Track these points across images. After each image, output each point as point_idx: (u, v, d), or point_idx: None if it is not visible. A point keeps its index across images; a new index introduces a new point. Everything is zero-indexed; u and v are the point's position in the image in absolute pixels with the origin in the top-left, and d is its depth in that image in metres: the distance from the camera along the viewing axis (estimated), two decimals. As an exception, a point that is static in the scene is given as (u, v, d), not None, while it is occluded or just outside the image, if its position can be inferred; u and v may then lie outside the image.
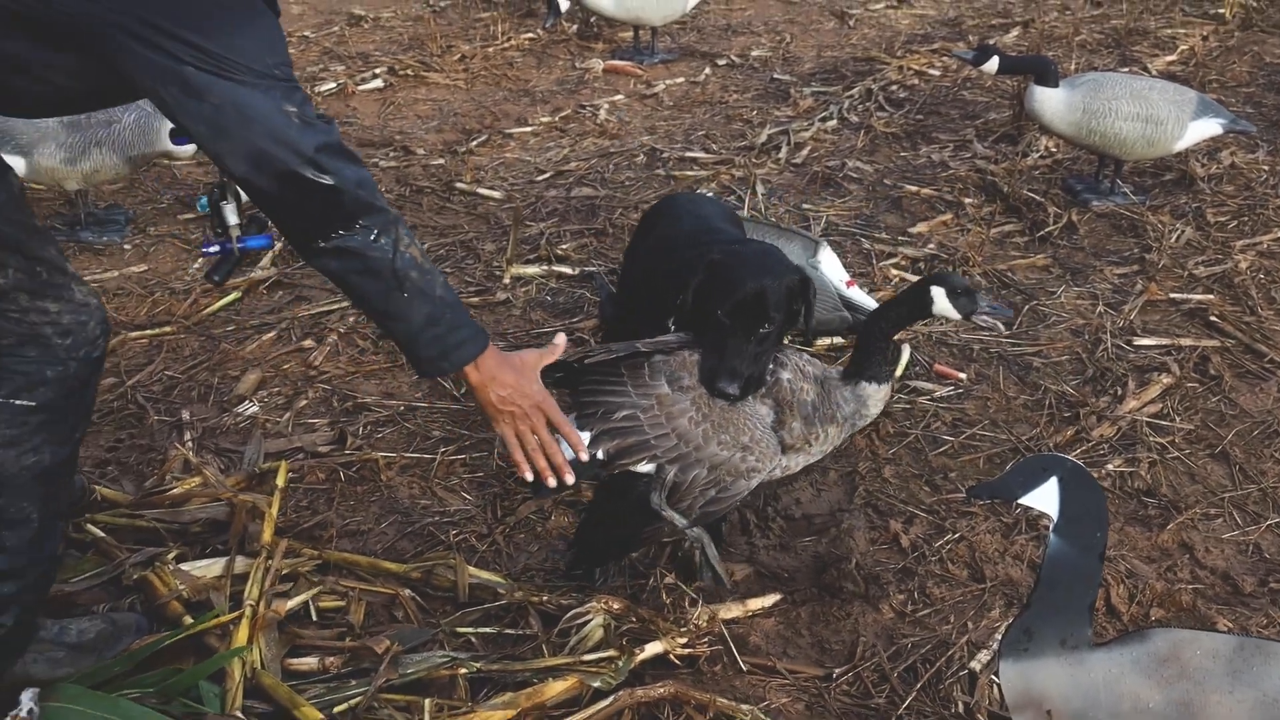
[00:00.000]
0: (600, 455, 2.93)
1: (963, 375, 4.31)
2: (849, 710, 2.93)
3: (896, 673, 3.01)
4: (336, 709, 2.73)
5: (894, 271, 5.07)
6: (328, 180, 2.32)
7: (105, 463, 3.74)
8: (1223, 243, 5.37)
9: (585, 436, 2.91)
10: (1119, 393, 4.18)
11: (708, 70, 7.97)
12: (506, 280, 4.93)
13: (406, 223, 2.53)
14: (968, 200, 5.80)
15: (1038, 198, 5.74)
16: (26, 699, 2.49)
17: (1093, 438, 3.93)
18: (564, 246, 5.26)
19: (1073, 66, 7.59)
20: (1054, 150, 6.37)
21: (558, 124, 6.98)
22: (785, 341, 3.21)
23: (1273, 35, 8.57)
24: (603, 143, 6.68)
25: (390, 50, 8.20)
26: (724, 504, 3.01)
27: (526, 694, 2.78)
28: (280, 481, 3.46)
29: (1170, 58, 8.00)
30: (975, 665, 3.00)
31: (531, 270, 5.03)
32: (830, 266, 4.32)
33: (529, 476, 2.81)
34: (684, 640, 3.01)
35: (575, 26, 8.68)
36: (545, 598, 3.16)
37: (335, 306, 4.66)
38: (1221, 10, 8.92)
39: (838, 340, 4.43)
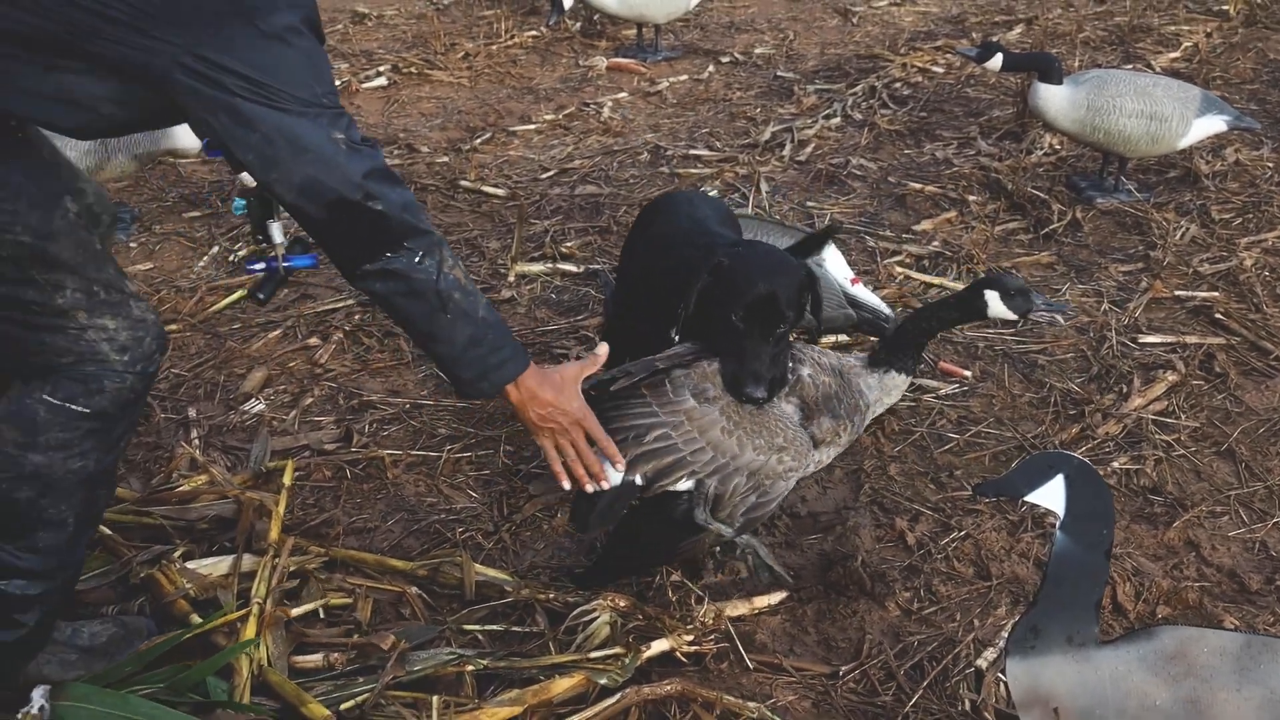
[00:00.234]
0: (639, 480, 2.92)
1: (968, 373, 4.31)
2: (855, 708, 2.93)
3: (903, 670, 3.02)
4: (343, 705, 2.74)
5: (898, 269, 5.07)
6: (376, 206, 2.37)
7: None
8: (1227, 240, 5.37)
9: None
10: (1124, 390, 4.18)
11: (711, 68, 7.98)
12: (511, 278, 4.93)
13: (450, 244, 2.55)
14: (972, 198, 5.81)
15: (1042, 195, 5.74)
16: (38, 696, 2.51)
17: (1098, 435, 3.94)
18: (568, 244, 5.27)
19: (1076, 63, 7.60)
20: (1058, 147, 6.38)
21: (561, 122, 6.98)
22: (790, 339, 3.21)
23: (1277, 32, 8.58)
24: (606, 140, 6.69)
25: (394, 48, 8.20)
26: (766, 508, 3.01)
27: (533, 691, 2.79)
28: (287, 480, 3.48)
29: (1174, 54, 8.01)
30: (982, 663, 3.00)
31: (536, 268, 5.03)
32: (835, 264, 4.32)
33: (567, 486, 2.86)
34: (690, 638, 3.02)
35: (579, 24, 8.70)
36: (552, 595, 3.16)
37: (340, 304, 4.67)
38: (1226, 7, 8.93)
39: (842, 338, 4.43)
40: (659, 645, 2.98)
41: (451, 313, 2.51)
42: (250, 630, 2.87)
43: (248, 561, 3.17)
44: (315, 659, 2.92)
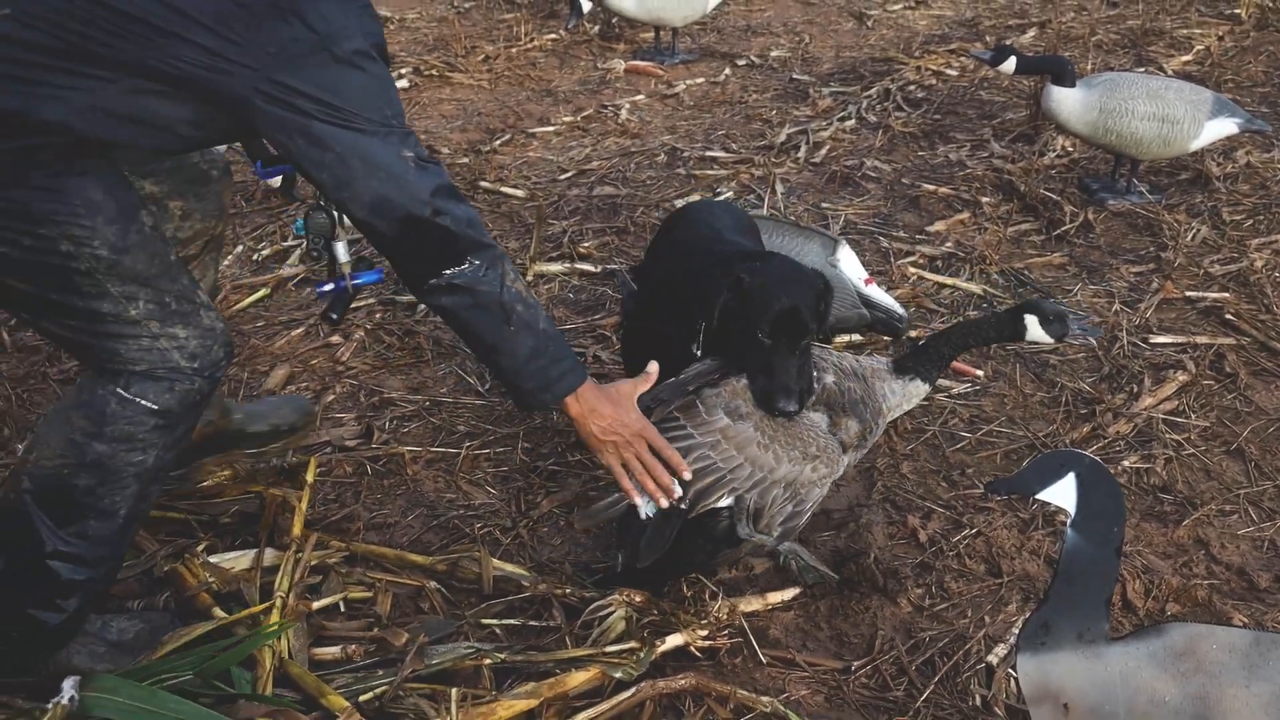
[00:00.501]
0: (684, 505, 2.95)
1: (980, 372, 4.33)
2: (867, 702, 2.95)
3: (914, 666, 3.04)
4: (362, 697, 2.76)
5: (911, 269, 5.09)
6: (443, 221, 2.47)
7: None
8: (1238, 241, 5.39)
9: None
10: (1135, 390, 4.20)
11: (728, 70, 7.99)
12: (530, 278, 4.96)
13: (512, 260, 2.63)
14: (985, 199, 5.83)
15: (1054, 197, 5.76)
16: (68, 687, 2.53)
17: (1109, 434, 3.96)
18: (586, 244, 5.30)
19: (1089, 66, 7.60)
20: (1070, 149, 6.39)
21: (580, 123, 7.01)
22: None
23: (1289, 35, 8.59)
24: (624, 142, 6.71)
25: (415, 51, 8.23)
26: (802, 516, 3.05)
27: (549, 684, 2.81)
28: (309, 476, 3.51)
29: (1186, 58, 8.00)
30: (993, 659, 3.03)
31: (554, 268, 5.06)
32: (849, 265, 4.35)
33: (639, 502, 2.88)
34: (704, 633, 3.05)
35: (597, 27, 8.70)
36: (568, 590, 3.19)
37: (361, 303, 4.70)
38: (1238, 10, 8.91)
39: (856, 337, 4.46)
40: (673, 640, 3.00)
41: (514, 325, 2.59)
42: (274, 620, 2.90)
43: (270, 556, 3.21)
44: (334, 651, 2.95)
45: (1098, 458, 2.95)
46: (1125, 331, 4.58)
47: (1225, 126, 5.53)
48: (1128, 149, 5.54)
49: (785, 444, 2.96)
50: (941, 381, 4.24)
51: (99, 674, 2.63)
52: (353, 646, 2.93)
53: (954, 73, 7.85)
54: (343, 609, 3.14)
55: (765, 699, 2.86)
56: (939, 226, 5.54)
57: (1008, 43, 7.49)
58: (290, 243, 5.22)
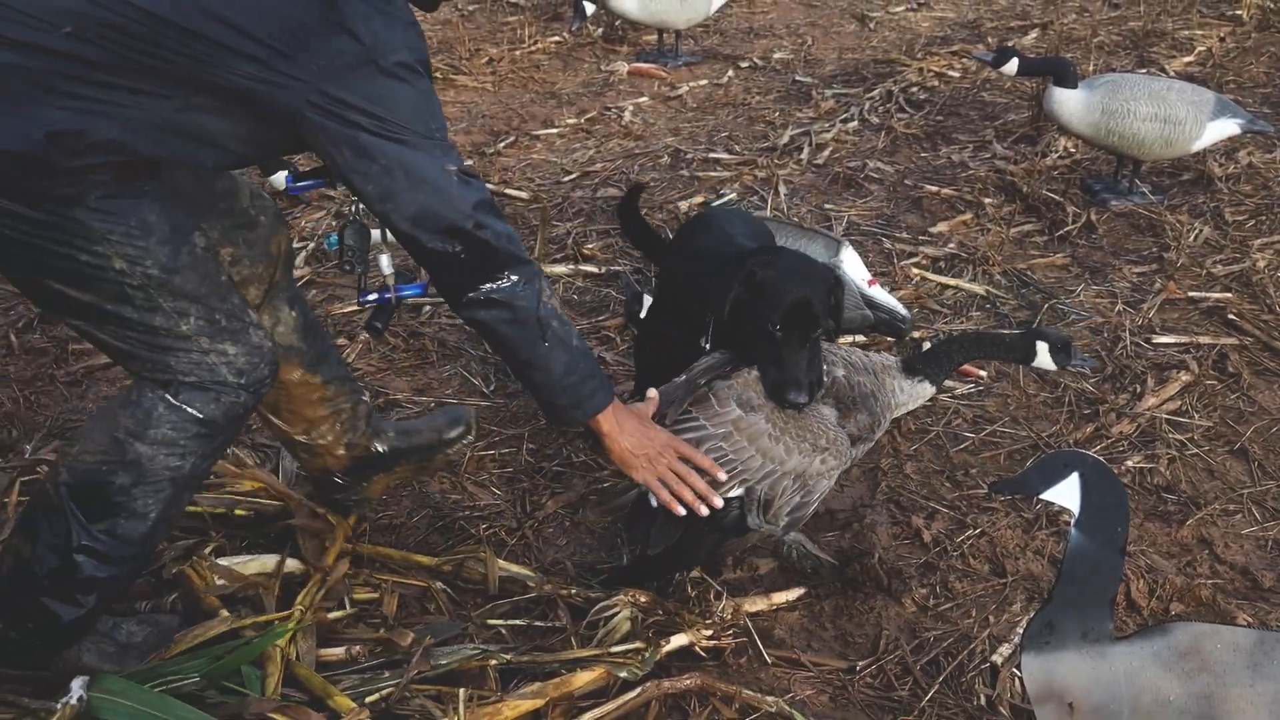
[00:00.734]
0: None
1: (983, 373, 4.34)
2: (872, 702, 2.96)
3: (919, 665, 3.05)
4: (369, 699, 2.76)
5: (914, 270, 5.11)
6: (484, 235, 2.52)
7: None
8: (1241, 242, 5.40)
9: None
10: (1138, 390, 4.21)
11: (730, 73, 8.01)
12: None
13: (548, 278, 2.68)
14: (987, 200, 5.84)
15: (1057, 197, 5.77)
16: (77, 686, 2.54)
17: (1112, 434, 3.97)
18: (590, 246, 5.30)
19: (1091, 68, 7.61)
20: (1073, 150, 6.40)
21: (584, 126, 7.02)
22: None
23: (1290, 36, 8.60)
24: (628, 144, 6.73)
25: (417, 53, 8.22)
26: (809, 507, 3.06)
27: (554, 684, 2.81)
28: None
29: (1188, 59, 8.01)
30: (997, 658, 3.03)
31: (559, 269, 5.07)
32: (852, 266, 4.36)
33: (681, 512, 2.89)
34: (709, 633, 3.05)
35: (600, 30, 8.72)
36: (574, 590, 3.20)
37: (368, 305, 4.70)
38: (1239, 11, 8.93)
39: (859, 338, 4.47)
40: (678, 640, 3.01)
41: (549, 340, 2.65)
42: (290, 625, 2.89)
43: (291, 564, 3.22)
44: (339, 652, 2.95)
45: (1101, 458, 2.96)
46: (1128, 332, 4.59)
47: (1227, 127, 5.54)
48: (1130, 150, 5.55)
49: (796, 436, 2.98)
50: (946, 382, 4.24)
51: (107, 675, 2.64)
52: (357, 648, 2.94)
53: (956, 74, 7.86)
54: (348, 607, 3.15)
55: (770, 699, 2.86)
56: (942, 227, 5.55)
57: (1010, 44, 7.50)
58: (295, 244, 5.21)
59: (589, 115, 7.15)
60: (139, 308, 2.48)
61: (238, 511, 3.42)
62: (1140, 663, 2.24)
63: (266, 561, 3.22)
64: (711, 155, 6.47)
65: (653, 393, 3.03)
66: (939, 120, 7.04)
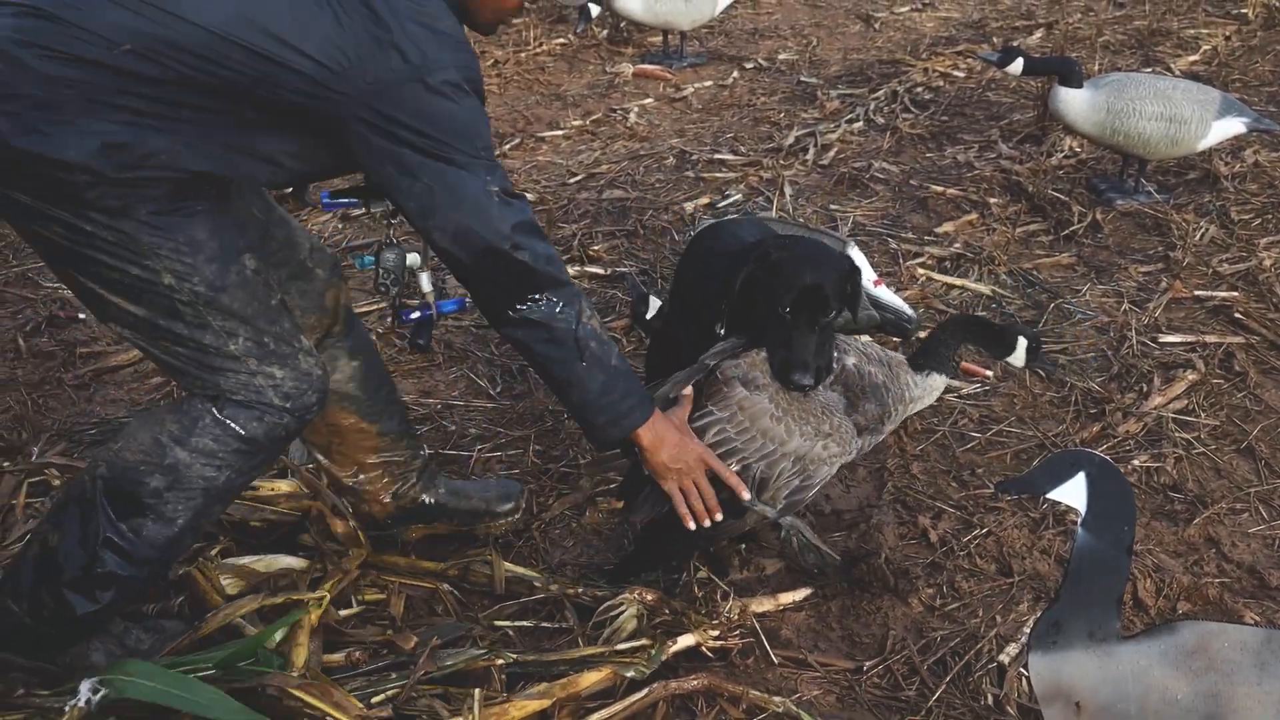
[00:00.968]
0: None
1: (989, 372, 4.35)
2: (879, 702, 2.97)
3: (926, 665, 3.05)
4: (375, 699, 2.77)
5: (920, 271, 5.11)
6: (522, 256, 2.56)
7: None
8: (1247, 240, 5.40)
9: None
10: (1144, 389, 4.21)
11: (735, 74, 8.01)
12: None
13: (588, 299, 2.73)
14: (993, 200, 5.84)
15: (1062, 197, 5.77)
16: (85, 689, 2.55)
17: (1119, 434, 3.97)
18: (596, 247, 5.31)
19: (1096, 67, 7.62)
20: (1078, 150, 6.40)
21: (589, 127, 7.03)
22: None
23: (1296, 35, 8.60)
24: (633, 145, 6.73)
25: (421, 55, 8.22)
26: (808, 491, 3.07)
27: (561, 684, 2.81)
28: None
29: (1193, 57, 8.01)
30: (1004, 658, 3.04)
31: (564, 271, 5.07)
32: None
33: (692, 526, 2.93)
34: (716, 633, 3.06)
35: (605, 31, 8.72)
36: (580, 590, 3.21)
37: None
38: (1244, 10, 8.93)
39: (864, 338, 4.46)
40: (685, 640, 3.01)
41: (587, 361, 2.68)
42: (304, 639, 2.88)
43: (292, 562, 3.23)
44: (338, 657, 2.95)
45: (1108, 457, 2.96)
46: (1134, 331, 4.59)
47: (1233, 126, 5.54)
48: (1135, 149, 5.55)
49: (798, 418, 3.00)
50: (951, 382, 4.23)
51: (125, 660, 2.67)
52: (357, 654, 2.94)
53: (961, 74, 7.87)
54: (354, 606, 3.17)
55: (778, 699, 2.87)
56: (947, 228, 5.55)
57: (1015, 44, 7.53)
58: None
59: (594, 117, 7.16)
60: (189, 324, 2.54)
61: (253, 523, 3.42)
62: (1147, 662, 2.23)
63: (274, 561, 3.23)
64: (717, 156, 6.48)
65: (688, 391, 3.05)
66: (944, 120, 7.05)
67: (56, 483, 3.52)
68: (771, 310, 3.04)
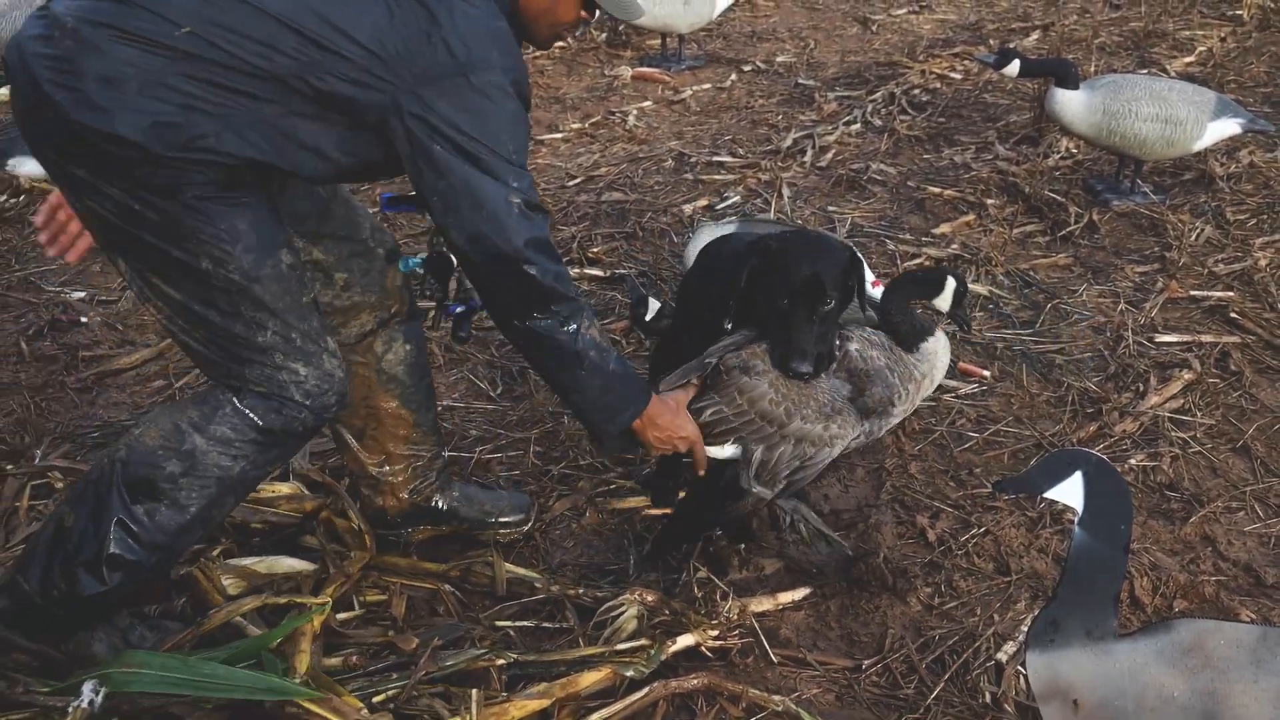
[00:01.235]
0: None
1: (987, 373, 4.37)
2: (878, 700, 2.98)
3: (925, 664, 3.07)
4: (375, 699, 2.79)
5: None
6: (530, 270, 2.63)
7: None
8: (1242, 240, 5.42)
9: None
10: (1141, 389, 4.23)
11: (734, 76, 8.02)
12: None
13: (592, 310, 2.82)
14: (990, 201, 5.85)
15: (1059, 198, 5.79)
16: (88, 690, 2.57)
17: (1115, 433, 3.99)
18: (595, 249, 5.33)
19: (1092, 69, 7.62)
20: (1075, 151, 6.41)
21: (588, 130, 7.04)
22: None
23: (1291, 36, 8.61)
24: (632, 148, 6.74)
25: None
26: (809, 472, 3.12)
27: (561, 684, 2.84)
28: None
29: (1189, 59, 8.02)
30: (1002, 656, 3.05)
31: (563, 274, 5.07)
32: (856, 268, 4.37)
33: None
34: (715, 633, 3.08)
35: (604, 34, 8.72)
36: (581, 591, 3.23)
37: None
38: (1239, 11, 8.93)
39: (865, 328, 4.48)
40: (685, 640, 3.03)
41: (586, 369, 2.78)
42: (305, 645, 2.88)
43: (294, 564, 3.25)
44: (336, 661, 2.95)
45: (1105, 456, 2.98)
46: (1131, 331, 4.61)
47: (1228, 127, 5.56)
48: (1132, 150, 5.57)
49: (798, 402, 3.04)
50: (949, 382, 4.27)
51: (127, 652, 2.70)
52: (355, 658, 2.95)
53: (958, 76, 7.88)
54: (357, 607, 3.18)
55: (777, 698, 2.89)
56: (945, 229, 5.57)
57: (1011, 46, 7.54)
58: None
59: (593, 120, 7.17)
60: (222, 312, 2.60)
61: (254, 525, 3.44)
62: (1144, 659, 2.25)
63: (276, 563, 3.25)
64: (715, 159, 6.49)
65: (695, 380, 3.12)
66: (941, 122, 7.06)
67: (59, 485, 3.54)
68: (772, 302, 3.08)
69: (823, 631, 3.21)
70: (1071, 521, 2.33)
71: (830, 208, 5.83)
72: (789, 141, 6.70)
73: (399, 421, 3.31)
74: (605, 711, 2.82)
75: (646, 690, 2.86)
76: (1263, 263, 5.14)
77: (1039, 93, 6.52)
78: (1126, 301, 4.89)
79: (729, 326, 3.24)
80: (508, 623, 3.15)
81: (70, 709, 2.57)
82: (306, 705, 2.66)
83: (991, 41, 8.55)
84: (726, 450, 3.08)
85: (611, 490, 3.69)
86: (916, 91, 7.58)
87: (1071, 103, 5.50)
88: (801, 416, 3.03)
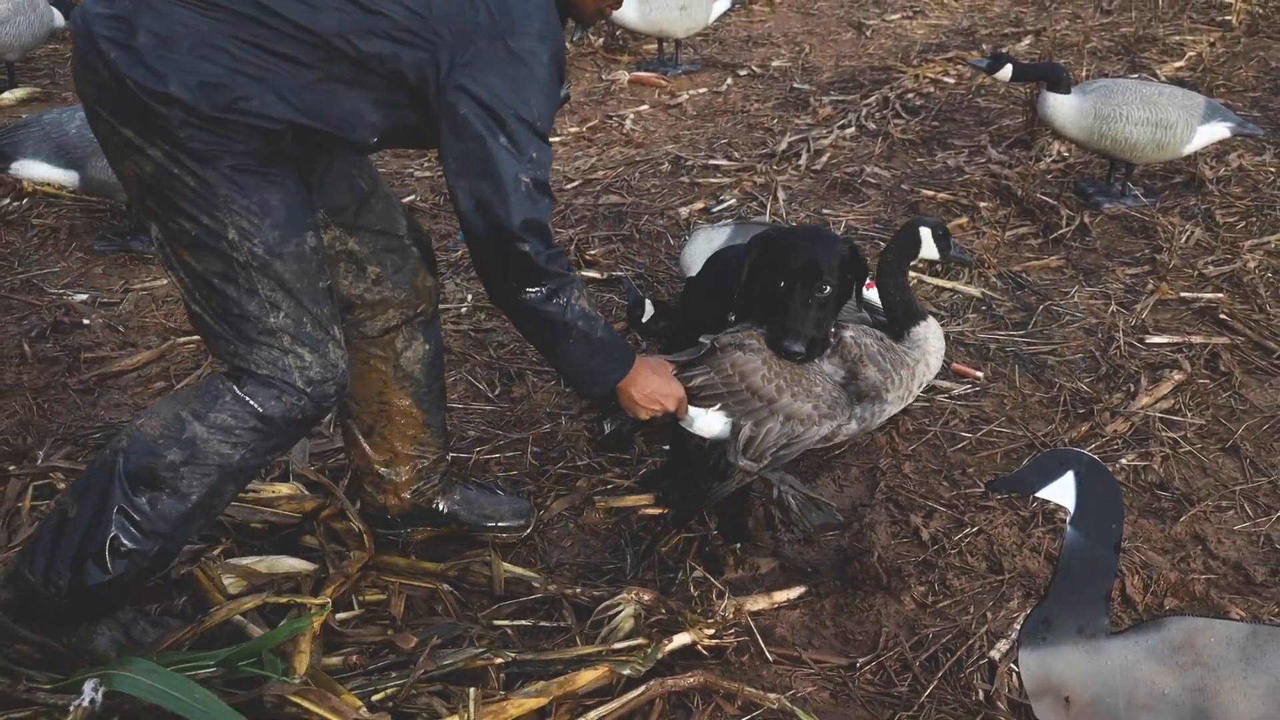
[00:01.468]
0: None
1: (979, 373, 4.39)
2: (873, 698, 3.00)
3: (918, 662, 3.08)
4: (375, 697, 2.80)
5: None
6: (524, 248, 2.67)
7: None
8: (1231, 243, 5.45)
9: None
10: (1132, 389, 4.26)
11: (729, 81, 8.04)
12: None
13: (581, 281, 2.87)
14: (983, 204, 5.88)
15: (1051, 201, 5.82)
16: (89, 689, 2.58)
17: (1107, 433, 4.01)
18: (592, 252, 5.36)
19: (1084, 73, 7.66)
20: (1066, 155, 6.44)
21: (585, 134, 7.06)
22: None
23: (1278, 41, 8.63)
24: (629, 152, 6.76)
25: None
26: (795, 448, 3.17)
27: (559, 683, 2.85)
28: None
29: (1179, 63, 8.06)
30: (995, 654, 3.07)
31: (560, 276, 5.09)
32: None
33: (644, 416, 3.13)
34: (711, 631, 3.09)
35: (601, 39, 8.74)
36: (578, 590, 3.25)
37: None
38: (1228, 17, 8.97)
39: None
40: (681, 638, 3.05)
41: (574, 338, 2.84)
42: (305, 646, 2.89)
43: (294, 564, 3.27)
44: (335, 661, 2.97)
45: (1096, 456, 3.00)
46: (1122, 332, 4.64)
47: (1217, 130, 5.59)
48: (1122, 154, 5.60)
49: (789, 380, 3.10)
50: (942, 383, 4.30)
51: (128, 658, 2.71)
52: (355, 657, 2.97)
53: (951, 81, 7.90)
54: (356, 608, 3.20)
55: (772, 696, 2.90)
56: (938, 231, 5.58)
57: (1004, 51, 7.56)
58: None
59: (590, 124, 7.19)
60: (240, 288, 2.64)
61: (254, 525, 3.46)
62: (1135, 657, 2.27)
63: (276, 563, 3.27)
64: (711, 162, 6.51)
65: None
66: (935, 126, 7.08)
67: (61, 486, 3.55)
68: (770, 285, 3.17)
69: (818, 630, 3.23)
70: (1063, 520, 2.34)
71: (825, 211, 5.85)
72: (784, 145, 6.72)
73: (410, 420, 3.33)
74: (602, 710, 2.83)
75: (643, 689, 2.88)
76: (1251, 264, 5.17)
77: (1031, 97, 6.55)
78: (1118, 303, 4.92)
79: (732, 319, 3.31)
80: (506, 622, 3.17)
81: (71, 707, 2.58)
82: (306, 705, 2.67)
83: (984, 46, 8.57)
84: (715, 426, 3.14)
85: (609, 490, 3.71)
86: (910, 96, 7.60)
87: (1063, 107, 5.53)
88: (792, 394, 3.09)
